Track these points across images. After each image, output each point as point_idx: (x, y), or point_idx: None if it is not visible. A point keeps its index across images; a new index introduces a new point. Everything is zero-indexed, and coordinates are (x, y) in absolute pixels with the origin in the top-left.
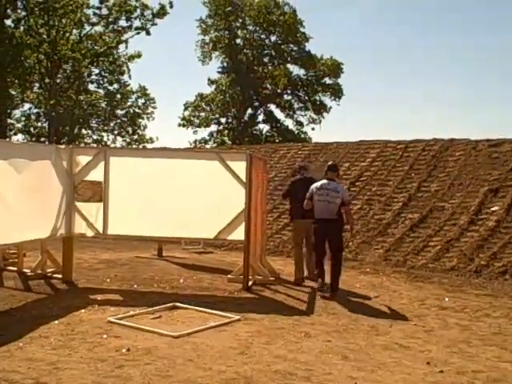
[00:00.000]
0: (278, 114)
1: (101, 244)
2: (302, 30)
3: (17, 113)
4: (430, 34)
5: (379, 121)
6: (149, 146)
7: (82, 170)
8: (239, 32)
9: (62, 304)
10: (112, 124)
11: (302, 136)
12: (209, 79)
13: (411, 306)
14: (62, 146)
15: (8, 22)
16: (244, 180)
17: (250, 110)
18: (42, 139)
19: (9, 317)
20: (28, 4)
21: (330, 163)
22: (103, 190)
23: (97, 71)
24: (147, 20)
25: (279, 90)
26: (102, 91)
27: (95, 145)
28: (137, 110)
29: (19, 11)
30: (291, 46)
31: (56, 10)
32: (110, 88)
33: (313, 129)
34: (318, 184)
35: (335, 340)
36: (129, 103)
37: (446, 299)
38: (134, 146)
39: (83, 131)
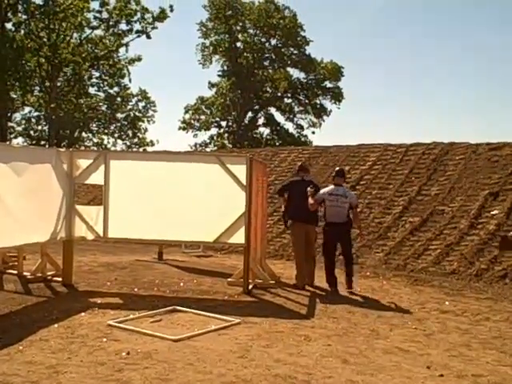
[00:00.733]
0: (279, 117)
1: (101, 247)
2: (302, 33)
3: (17, 116)
4: (431, 37)
5: (379, 124)
6: (149, 149)
7: (82, 173)
8: (239, 35)
9: (61, 307)
10: (112, 127)
11: (303, 139)
12: (209, 82)
13: (411, 310)
14: (63, 150)
15: (9, 25)
16: (244, 183)
17: (250, 114)
18: (43, 142)
19: (9, 320)
20: (29, 8)
21: (337, 169)
22: (103, 193)
23: (97, 74)
24: (148, 23)
25: (279, 94)
26: (102, 94)
27: (95, 148)
28: (137, 114)
29: (20, 15)
30: (291, 49)
31: (56, 13)
32: (111, 91)
33: (313, 132)
34: (327, 189)
35: (335, 343)
36: (129, 106)
37: (447, 303)
38: (135, 150)
39: (83, 134)
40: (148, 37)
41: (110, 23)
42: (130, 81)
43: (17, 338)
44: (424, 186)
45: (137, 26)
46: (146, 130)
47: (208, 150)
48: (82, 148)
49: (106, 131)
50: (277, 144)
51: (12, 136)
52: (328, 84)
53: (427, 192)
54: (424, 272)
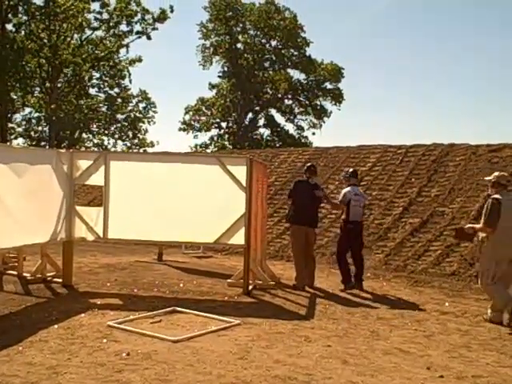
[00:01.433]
0: (279, 118)
1: (101, 248)
2: (302, 34)
3: (17, 117)
4: (431, 38)
5: (379, 125)
6: (149, 150)
7: (82, 174)
8: (240, 37)
9: (61, 308)
10: (113, 128)
11: (303, 140)
12: (209, 83)
13: (411, 311)
14: (63, 150)
15: (9, 26)
16: (244, 184)
17: (250, 115)
18: (43, 143)
19: (8, 321)
20: (29, 9)
21: (352, 170)
22: (103, 194)
23: (97, 75)
24: (148, 24)
25: (280, 95)
26: (102, 95)
27: (96, 149)
28: (137, 115)
29: (20, 16)
30: (292, 50)
31: (57, 14)
32: (111, 92)
33: (313, 133)
34: (349, 190)
35: (335, 344)
36: (129, 107)
37: (447, 304)
38: (135, 150)
39: (84, 135)
40: (148, 38)
41: (111, 24)
42: (130, 82)
43: (16, 339)
44: (424, 188)
45: (137, 27)
46: (146, 130)
47: (208, 151)
48: (83, 149)
49: (106, 132)
50: (277, 145)
51: (12, 137)
52: (328, 85)
53: (427, 193)
54: (424, 273)
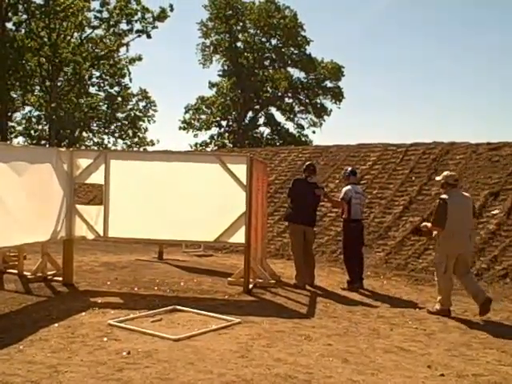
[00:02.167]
0: (279, 117)
1: (101, 247)
2: (302, 33)
3: (18, 115)
4: (431, 37)
5: (380, 124)
6: (149, 148)
7: (82, 172)
8: (240, 35)
9: (62, 307)
10: (113, 127)
11: (303, 139)
12: (209, 82)
13: (412, 310)
14: (63, 149)
15: (9, 25)
16: (244, 183)
17: (250, 113)
18: (43, 142)
19: (9, 319)
20: (29, 7)
21: (350, 169)
22: (104, 193)
23: (97, 74)
24: (148, 23)
25: (280, 93)
26: (102, 94)
27: (96, 148)
28: (137, 113)
29: (20, 14)
30: (292, 49)
31: (57, 13)
32: (111, 91)
33: (313, 132)
34: (350, 188)
35: (336, 343)
36: (129, 106)
37: None
38: (135, 149)
39: (84, 134)
40: (148, 36)
41: (111, 23)
42: (130, 80)
43: (17, 338)
44: (424, 186)
45: (137, 26)
46: (146, 129)
47: (208, 149)
48: (83, 148)
49: (106, 131)
50: (277, 144)
51: (12, 135)
52: (328, 84)
53: (428, 192)
54: (424, 271)
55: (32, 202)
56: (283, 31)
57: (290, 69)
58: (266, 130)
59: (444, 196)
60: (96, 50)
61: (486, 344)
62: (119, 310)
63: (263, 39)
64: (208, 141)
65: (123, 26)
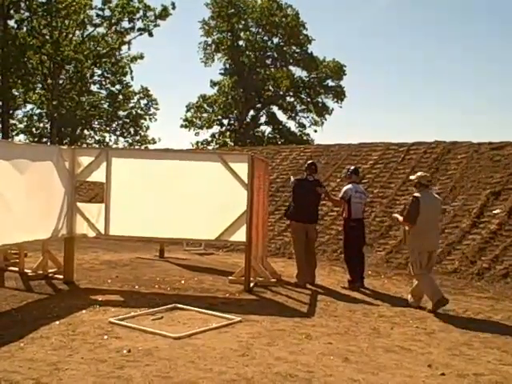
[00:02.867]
0: (281, 115)
1: (102, 245)
2: (304, 32)
3: (19, 113)
4: (432, 36)
5: (381, 123)
6: (151, 146)
7: (83, 170)
8: (242, 34)
9: (62, 304)
10: (114, 125)
11: (305, 138)
12: (211, 81)
13: (412, 309)
14: (64, 147)
15: (11, 22)
16: (246, 181)
17: (252, 112)
18: (44, 140)
19: (10, 317)
20: (31, 5)
21: (353, 167)
22: (105, 191)
23: (99, 72)
24: (150, 21)
25: (281, 92)
26: (104, 92)
27: (97, 145)
28: (139, 111)
29: (22, 12)
30: (294, 47)
31: (59, 11)
32: (113, 89)
33: (315, 131)
34: (350, 187)
35: (336, 342)
36: (131, 104)
37: None
38: (136, 147)
39: (85, 132)
40: (150, 35)
41: (113, 21)
42: (131, 78)
43: (18, 335)
44: None
45: (139, 24)
46: (147, 127)
47: (210, 148)
48: (84, 145)
49: (107, 129)
50: (279, 142)
51: (14, 133)
52: (330, 82)
53: None
54: None
55: (33, 199)
56: (285, 30)
57: (291, 67)
58: (267, 129)
59: (417, 194)
60: (98, 48)
61: (487, 343)
62: (120, 308)
63: (265, 38)
64: (209, 139)
65: (125, 24)
